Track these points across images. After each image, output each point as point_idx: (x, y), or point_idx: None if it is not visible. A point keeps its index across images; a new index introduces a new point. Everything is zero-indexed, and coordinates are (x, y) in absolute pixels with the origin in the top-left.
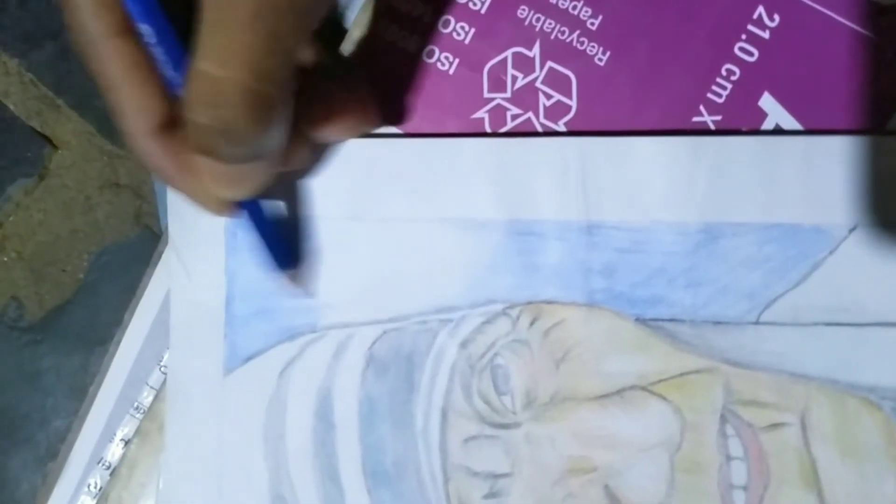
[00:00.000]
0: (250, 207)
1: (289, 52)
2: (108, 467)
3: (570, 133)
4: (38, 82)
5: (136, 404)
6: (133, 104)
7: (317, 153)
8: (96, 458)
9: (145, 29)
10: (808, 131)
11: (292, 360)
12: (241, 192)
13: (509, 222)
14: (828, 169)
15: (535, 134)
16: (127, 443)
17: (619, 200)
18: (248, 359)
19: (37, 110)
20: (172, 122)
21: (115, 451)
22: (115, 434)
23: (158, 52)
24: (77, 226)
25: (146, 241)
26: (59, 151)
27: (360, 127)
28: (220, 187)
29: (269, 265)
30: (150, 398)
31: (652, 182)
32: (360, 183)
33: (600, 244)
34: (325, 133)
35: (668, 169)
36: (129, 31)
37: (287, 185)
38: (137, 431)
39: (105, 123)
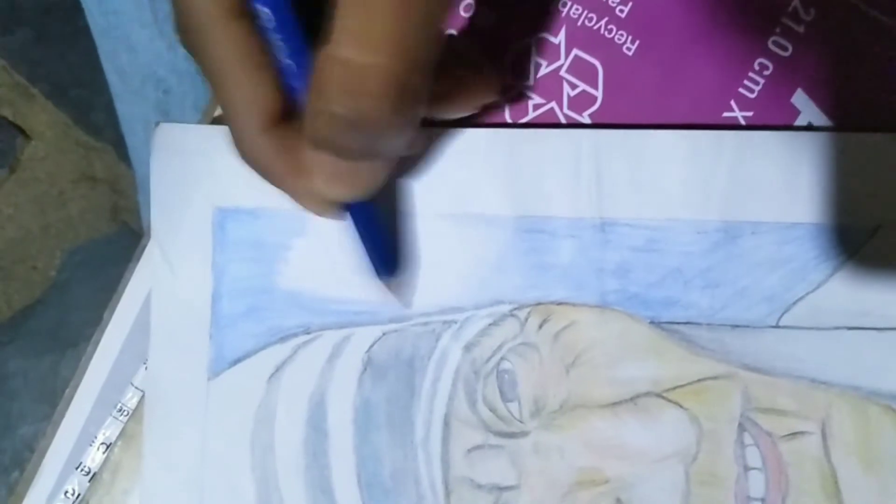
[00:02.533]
0: (357, 209)
1: (437, 36)
2: (88, 473)
3: (583, 125)
4: (12, 70)
5: (119, 406)
6: (245, 96)
7: (433, 140)
8: (74, 464)
9: (264, 12)
10: (834, 128)
11: (283, 364)
12: (357, 193)
13: (518, 219)
14: (851, 167)
15: (547, 125)
16: (109, 447)
17: (634, 197)
18: (236, 362)
19: (9, 99)
20: (283, 116)
21: (95, 456)
22: (94, 438)
23: (276, 38)
24: (49, 221)
25: (123, 238)
26: (32, 143)
27: (483, 99)
28: (333, 186)
29: (369, 271)
30: (136, 400)
31: (669, 178)
32: None
33: (614, 242)
34: (449, 110)
35: (687, 164)
36: (244, 15)
37: (393, 186)
38: (122, 434)
39: (81, 114)
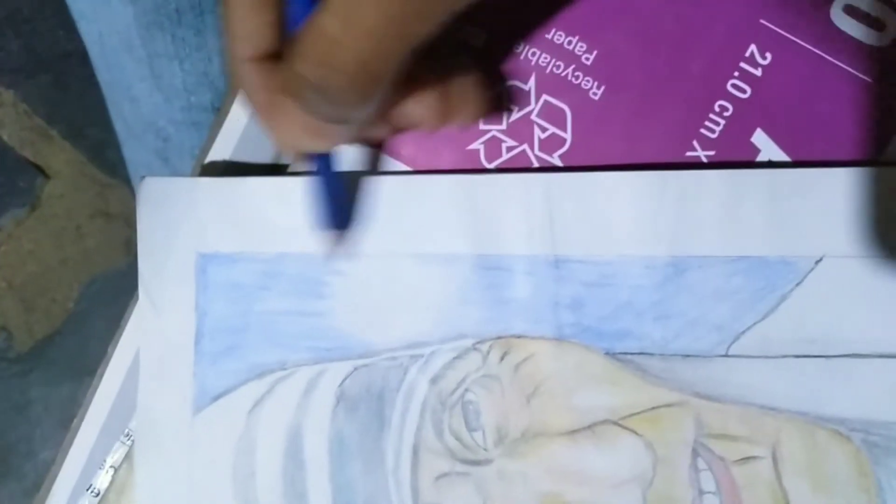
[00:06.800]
0: (322, 159)
1: (413, 40)
2: (97, 494)
3: (552, 168)
4: (32, 113)
5: (126, 431)
6: (244, 27)
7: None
8: (84, 486)
9: None
10: (788, 164)
11: (262, 399)
12: (319, 147)
13: (477, 257)
14: (793, 201)
15: (501, 171)
16: (116, 469)
17: (585, 235)
18: (217, 397)
19: (30, 140)
20: (276, 55)
21: (104, 479)
22: (104, 462)
23: None
24: (67, 255)
25: (136, 271)
26: (51, 181)
27: (455, 120)
28: (299, 136)
29: (322, 222)
30: None
31: (618, 216)
32: None
33: (568, 278)
34: (409, 119)
35: (634, 203)
36: None
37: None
38: (126, 456)
39: (97, 153)
